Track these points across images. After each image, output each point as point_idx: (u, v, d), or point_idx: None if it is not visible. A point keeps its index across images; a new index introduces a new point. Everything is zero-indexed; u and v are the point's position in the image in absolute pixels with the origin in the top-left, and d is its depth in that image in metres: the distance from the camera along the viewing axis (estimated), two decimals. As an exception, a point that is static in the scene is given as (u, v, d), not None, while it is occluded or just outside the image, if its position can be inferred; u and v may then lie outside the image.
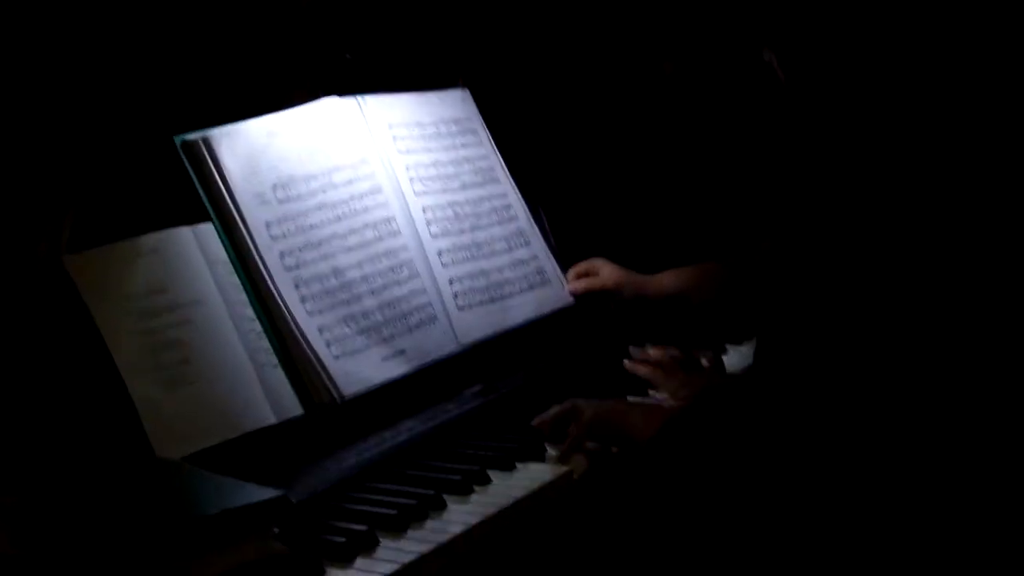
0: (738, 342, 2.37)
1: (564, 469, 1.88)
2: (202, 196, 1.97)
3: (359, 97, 2.21)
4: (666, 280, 2.42)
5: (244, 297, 1.95)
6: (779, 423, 1.70)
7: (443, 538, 1.68)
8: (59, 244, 1.89)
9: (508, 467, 1.88)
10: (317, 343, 1.97)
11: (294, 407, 1.93)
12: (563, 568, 1.90)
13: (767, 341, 1.77)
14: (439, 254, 2.22)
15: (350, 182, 2.13)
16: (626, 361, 2.22)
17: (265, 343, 1.94)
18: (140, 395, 1.78)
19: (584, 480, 1.88)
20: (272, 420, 1.89)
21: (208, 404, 1.83)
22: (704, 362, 2.22)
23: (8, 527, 1.40)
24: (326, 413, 1.94)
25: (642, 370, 2.18)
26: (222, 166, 1.99)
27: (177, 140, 1.98)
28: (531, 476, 1.86)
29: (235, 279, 1.96)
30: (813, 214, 1.72)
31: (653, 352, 2.23)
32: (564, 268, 2.42)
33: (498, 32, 2.73)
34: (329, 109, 2.16)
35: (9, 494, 1.48)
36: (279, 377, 1.93)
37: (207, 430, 1.82)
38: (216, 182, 1.98)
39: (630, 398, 2.13)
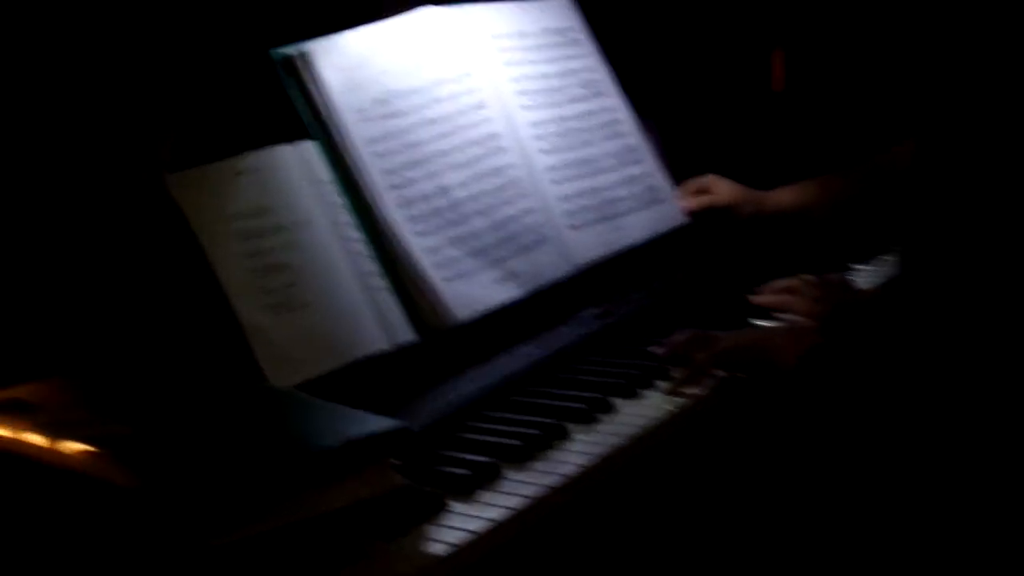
0: (863, 260, 2.24)
1: (694, 394, 1.77)
2: (302, 113, 1.87)
3: (459, 6, 2.10)
4: (784, 196, 2.30)
5: (349, 218, 1.85)
6: (938, 339, 1.59)
7: (570, 470, 1.58)
8: (159, 164, 1.80)
9: (632, 394, 1.77)
10: (427, 265, 1.87)
11: (405, 332, 1.83)
12: (700, 498, 1.80)
13: (912, 252, 1.65)
14: (549, 171, 2.10)
15: (454, 96, 2.02)
16: (751, 297, 2.08)
17: (373, 266, 1.85)
18: (249, 321, 1.69)
19: (711, 407, 1.76)
20: (384, 346, 1.80)
21: (319, 330, 1.74)
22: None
23: (124, 459, 1.32)
24: (439, 338, 1.85)
25: (770, 299, 2.05)
26: (322, 81, 1.88)
27: (275, 55, 1.87)
28: (658, 404, 1.76)
29: (339, 199, 1.86)
30: (956, 121, 1.59)
31: (777, 283, 2.10)
32: (677, 185, 2.30)
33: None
34: (428, 19, 2.04)
35: (123, 424, 1.40)
36: (389, 301, 1.84)
37: (319, 357, 1.72)
38: (316, 98, 1.88)
39: (757, 322, 2.01)
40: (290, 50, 1.88)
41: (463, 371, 1.81)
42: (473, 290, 1.91)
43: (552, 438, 1.64)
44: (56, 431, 1.40)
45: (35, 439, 1.40)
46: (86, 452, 1.35)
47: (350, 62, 1.92)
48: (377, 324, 1.81)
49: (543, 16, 2.24)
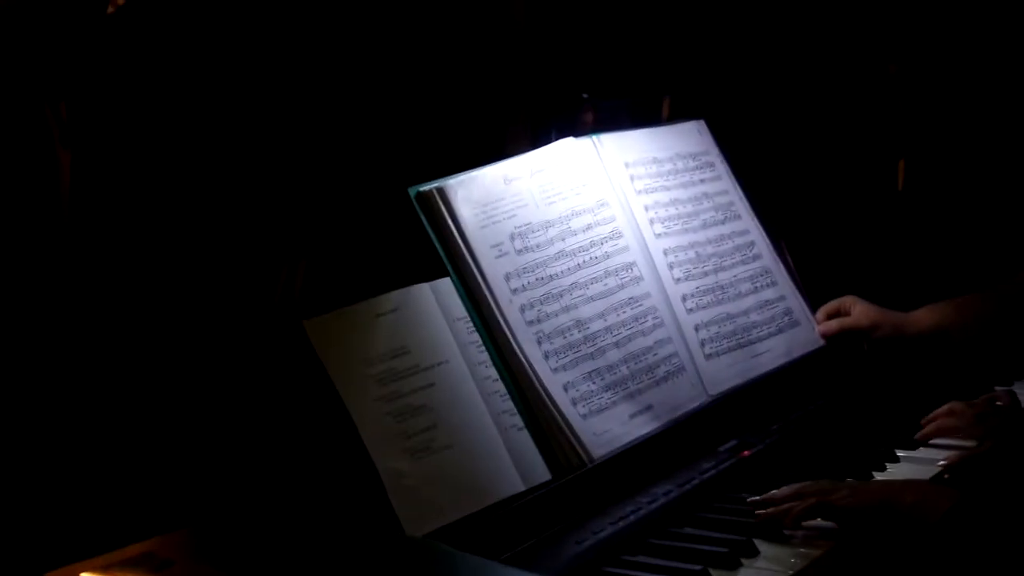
0: (1009, 383, 2.18)
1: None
2: (439, 249, 1.87)
3: (594, 136, 2.09)
4: (924, 317, 2.24)
5: (485, 356, 1.85)
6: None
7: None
8: (294, 294, 1.82)
9: (777, 537, 1.73)
10: (563, 402, 1.86)
11: (542, 472, 1.81)
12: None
13: None
14: (683, 299, 2.08)
15: (589, 227, 2.01)
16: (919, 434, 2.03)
17: (509, 404, 1.84)
18: (386, 466, 1.68)
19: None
20: (520, 487, 1.78)
21: (456, 473, 1.73)
22: (999, 404, 2.03)
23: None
24: (575, 477, 1.82)
25: (931, 428, 1.99)
26: (458, 217, 1.89)
27: (411, 192, 1.88)
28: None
29: (475, 337, 1.85)
30: None
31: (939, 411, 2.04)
32: (812, 308, 2.27)
33: (722, 56, 2.59)
34: (563, 151, 2.05)
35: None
36: (525, 440, 1.82)
37: (455, 501, 1.71)
38: (452, 234, 1.88)
39: (900, 452, 1.96)
40: (427, 186, 1.88)
41: (600, 511, 1.78)
42: (609, 425, 1.89)
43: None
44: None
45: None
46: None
47: (486, 197, 1.92)
48: (513, 465, 1.79)
49: (677, 141, 2.23)
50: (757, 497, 1.77)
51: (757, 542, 1.71)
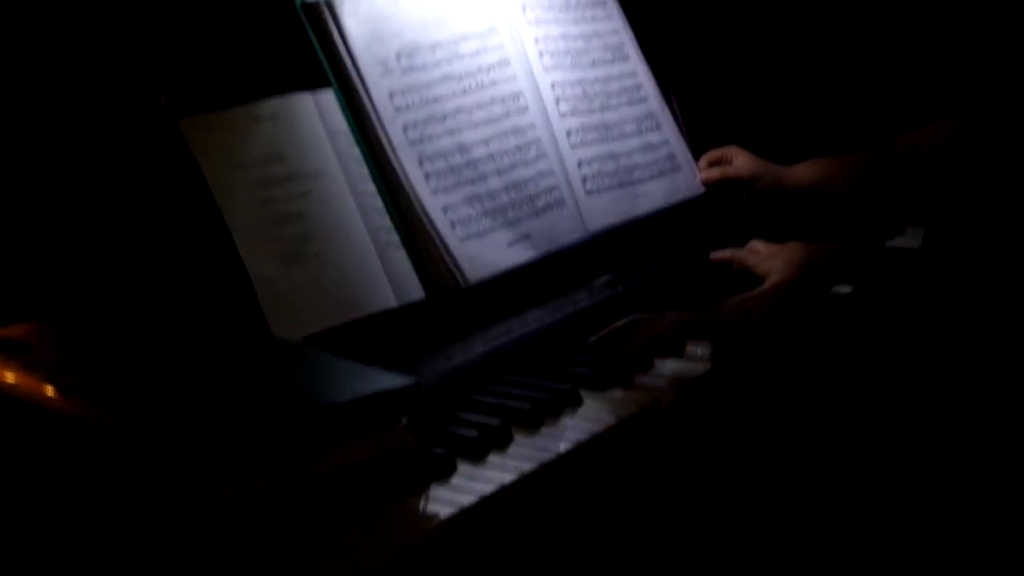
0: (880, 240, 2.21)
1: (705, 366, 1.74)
2: (323, 62, 1.83)
3: (488, -40, 2.05)
4: (804, 171, 2.25)
5: (365, 171, 1.82)
6: (946, 325, 1.56)
7: (582, 436, 1.55)
8: (168, 106, 1.77)
9: (649, 365, 1.74)
10: (441, 223, 1.84)
11: (416, 290, 1.80)
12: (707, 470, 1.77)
13: (937, 234, 1.62)
14: (568, 134, 2.07)
15: (477, 53, 1.98)
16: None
17: (386, 221, 1.81)
18: (257, 270, 1.66)
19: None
20: (393, 303, 1.77)
21: (328, 283, 1.71)
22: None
23: (113, 400, 1.29)
24: (449, 298, 1.81)
25: (725, 253, 2.02)
26: (344, 30, 1.84)
27: (297, 2, 1.83)
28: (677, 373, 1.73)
29: (356, 151, 1.82)
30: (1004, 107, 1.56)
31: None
32: (696, 156, 2.27)
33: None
34: (456, -27, 2.01)
35: (126, 369, 1.37)
36: (401, 258, 1.81)
37: (326, 310, 1.70)
38: (338, 47, 1.84)
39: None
40: (314, -2, 1.84)
41: (473, 332, 1.78)
42: (486, 251, 1.88)
43: (564, 404, 1.62)
44: (49, 373, 1.36)
45: (27, 380, 1.36)
46: (85, 394, 1.31)
47: (374, 13, 1.88)
48: (387, 281, 1.77)
49: (569, -24, 2.20)
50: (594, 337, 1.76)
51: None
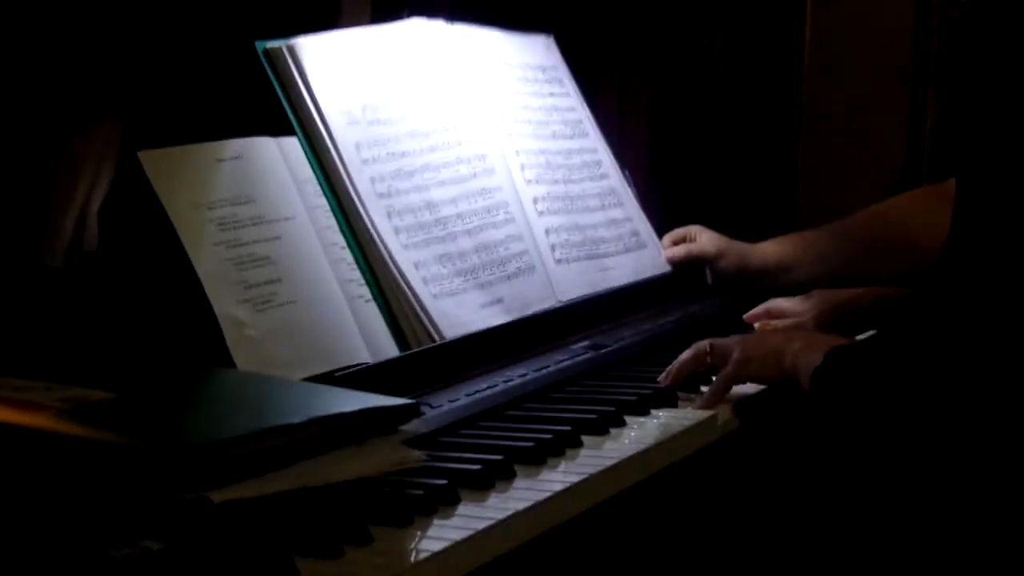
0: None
1: (707, 414, 1.62)
2: (287, 109, 1.73)
3: (446, 23, 1.99)
4: (769, 249, 2.18)
5: (333, 223, 1.71)
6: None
7: (578, 478, 1.41)
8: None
9: (644, 412, 1.62)
10: (414, 279, 1.73)
11: (389, 347, 1.67)
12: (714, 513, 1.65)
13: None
14: (534, 201, 1.98)
15: (441, 111, 1.89)
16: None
17: (356, 274, 1.70)
18: (224, 312, 1.52)
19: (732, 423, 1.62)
20: (367, 359, 1.63)
21: (301, 332, 1.58)
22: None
23: (84, 416, 1.14)
24: (423, 355, 1.68)
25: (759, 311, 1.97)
26: (307, 77, 1.75)
27: (259, 46, 1.74)
28: (669, 421, 1.60)
29: (322, 202, 1.71)
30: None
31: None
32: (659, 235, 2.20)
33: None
34: (417, 30, 1.93)
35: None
36: (372, 312, 1.68)
37: (297, 360, 1.56)
38: (302, 94, 1.74)
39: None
40: (276, 43, 1.74)
41: (450, 387, 1.65)
42: (460, 310, 1.77)
43: (565, 445, 1.48)
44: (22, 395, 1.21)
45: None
46: (61, 413, 1.16)
47: (337, 62, 1.79)
48: (360, 335, 1.65)
49: (526, 51, 2.15)
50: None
51: (626, 417, 1.59)
